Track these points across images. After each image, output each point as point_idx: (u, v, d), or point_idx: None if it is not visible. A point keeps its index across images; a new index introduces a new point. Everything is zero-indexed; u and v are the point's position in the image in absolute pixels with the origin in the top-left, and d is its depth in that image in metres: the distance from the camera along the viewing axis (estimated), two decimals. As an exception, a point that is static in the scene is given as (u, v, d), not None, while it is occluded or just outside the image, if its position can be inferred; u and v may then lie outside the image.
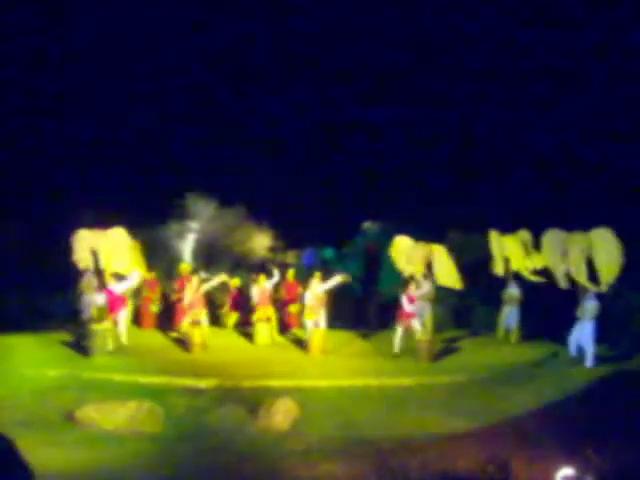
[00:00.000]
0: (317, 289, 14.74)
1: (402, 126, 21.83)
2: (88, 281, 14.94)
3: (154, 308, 16.38)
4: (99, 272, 14.60)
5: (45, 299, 16.31)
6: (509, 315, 15.22)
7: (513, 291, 15.19)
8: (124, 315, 14.23)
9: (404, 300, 14.34)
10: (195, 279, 14.77)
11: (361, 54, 21.86)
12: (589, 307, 12.38)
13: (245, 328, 16.08)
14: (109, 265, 14.27)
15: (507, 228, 15.34)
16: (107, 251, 14.14)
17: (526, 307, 15.15)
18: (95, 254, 14.31)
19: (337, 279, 14.92)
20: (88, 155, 20.12)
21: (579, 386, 10.93)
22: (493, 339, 15.43)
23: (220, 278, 15.15)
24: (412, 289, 14.52)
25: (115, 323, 13.96)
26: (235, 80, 22.28)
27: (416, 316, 14.36)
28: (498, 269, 15.27)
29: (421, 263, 15.10)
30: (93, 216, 15.33)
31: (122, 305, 14.09)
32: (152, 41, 21.19)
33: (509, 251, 15.10)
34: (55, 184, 18.73)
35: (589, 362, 12.17)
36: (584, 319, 12.40)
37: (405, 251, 15.29)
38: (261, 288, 15.53)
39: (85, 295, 15.13)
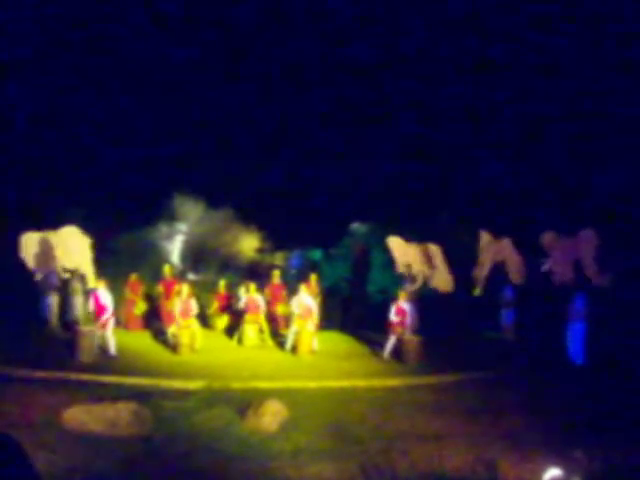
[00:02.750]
0: (304, 298, 14.80)
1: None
2: (75, 284, 15.01)
3: (137, 310, 16.34)
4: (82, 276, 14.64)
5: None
6: (503, 317, 15.37)
7: (507, 294, 15.34)
8: (111, 321, 13.79)
9: (392, 311, 14.36)
10: (185, 288, 14.70)
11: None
12: (578, 308, 12.52)
13: (233, 331, 16.06)
14: (64, 264, 14.18)
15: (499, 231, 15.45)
16: (60, 250, 14.03)
17: (521, 309, 15.28)
18: (46, 255, 14.20)
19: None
20: (77, 157, 20.00)
21: (567, 387, 11.02)
22: (481, 340, 15.50)
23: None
24: (402, 300, 14.46)
25: (102, 327, 13.78)
26: (227, 82, 22.26)
27: (408, 325, 14.36)
28: (480, 270, 15.35)
29: (424, 261, 15.10)
30: (81, 217, 15.29)
31: (108, 311, 13.88)
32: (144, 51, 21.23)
33: (501, 256, 15.18)
34: (44, 186, 18.61)
35: (579, 360, 12.27)
36: (573, 320, 12.54)
37: (402, 251, 15.30)
38: (250, 297, 15.50)
39: (72, 297, 15.18)
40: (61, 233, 14.23)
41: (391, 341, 14.29)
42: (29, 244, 14.22)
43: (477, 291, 15.33)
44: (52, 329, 14.79)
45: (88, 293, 14.21)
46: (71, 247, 14.14)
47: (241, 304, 15.60)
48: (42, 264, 14.29)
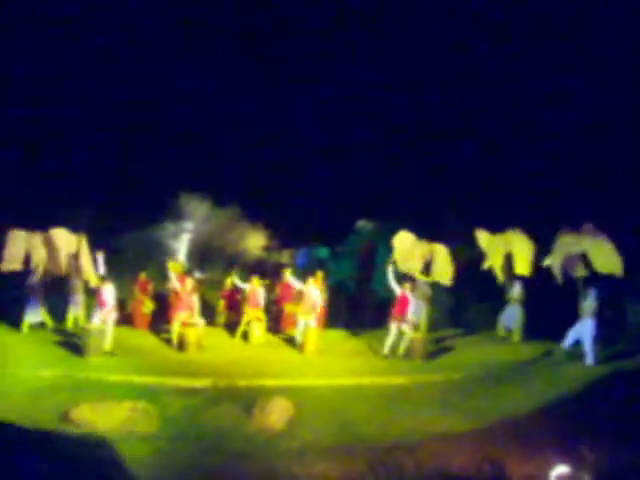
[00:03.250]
0: (311, 291, 14.83)
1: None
2: (75, 282, 15.06)
3: (145, 309, 16.40)
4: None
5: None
6: (510, 314, 15.17)
7: (515, 291, 15.16)
8: (112, 316, 13.72)
9: (396, 298, 14.35)
10: (189, 282, 14.75)
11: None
12: (589, 305, 12.44)
13: (236, 327, 16.04)
14: (55, 266, 14.02)
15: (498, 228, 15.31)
16: (45, 253, 13.89)
17: (529, 306, 15.13)
18: (29, 255, 13.95)
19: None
20: (82, 155, 20.03)
21: (573, 384, 10.96)
22: (487, 337, 15.44)
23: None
24: (407, 289, 14.44)
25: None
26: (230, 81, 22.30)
27: (408, 317, 14.28)
28: (493, 267, 15.21)
29: (419, 261, 15.05)
30: (87, 216, 15.30)
31: (107, 306, 13.81)
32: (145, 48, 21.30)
33: (507, 250, 15.03)
34: (49, 185, 18.63)
35: (590, 359, 12.18)
36: (584, 317, 12.45)
37: (405, 246, 15.20)
38: (253, 289, 15.53)
39: (73, 296, 15.23)
40: (49, 235, 14.01)
41: (392, 332, 14.15)
42: (15, 243, 14.00)
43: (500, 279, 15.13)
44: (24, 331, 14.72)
45: (93, 292, 14.22)
46: (60, 249, 13.93)
47: (242, 286, 15.69)
48: (25, 264, 14.08)
